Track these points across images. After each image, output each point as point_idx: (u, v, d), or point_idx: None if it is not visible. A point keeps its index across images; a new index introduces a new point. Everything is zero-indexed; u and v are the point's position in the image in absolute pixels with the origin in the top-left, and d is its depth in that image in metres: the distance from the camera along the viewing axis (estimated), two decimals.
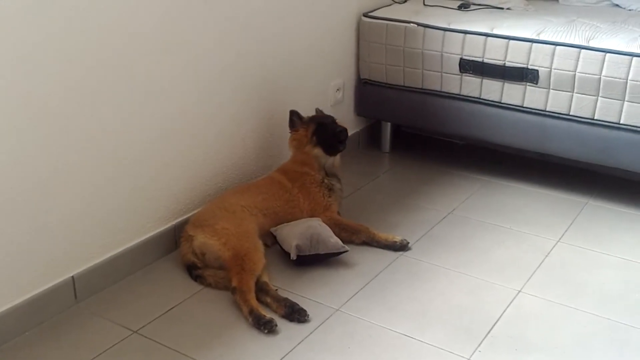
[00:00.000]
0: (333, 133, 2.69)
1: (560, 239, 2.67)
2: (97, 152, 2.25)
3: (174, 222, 2.57)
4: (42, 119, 2.06)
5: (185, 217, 2.58)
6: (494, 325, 2.17)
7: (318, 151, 2.69)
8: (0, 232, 2.02)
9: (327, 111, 2.92)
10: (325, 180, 2.70)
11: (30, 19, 1.96)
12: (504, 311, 2.23)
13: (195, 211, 2.59)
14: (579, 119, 2.85)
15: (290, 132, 2.76)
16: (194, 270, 2.39)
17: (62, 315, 2.21)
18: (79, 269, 2.27)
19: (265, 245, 2.48)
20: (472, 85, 3.05)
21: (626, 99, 2.72)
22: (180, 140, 2.54)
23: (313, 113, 2.83)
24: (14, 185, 2.03)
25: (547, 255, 2.55)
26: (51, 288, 2.19)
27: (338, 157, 2.76)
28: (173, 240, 2.55)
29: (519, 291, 2.34)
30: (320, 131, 2.69)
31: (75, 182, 2.20)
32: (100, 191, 2.28)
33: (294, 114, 2.75)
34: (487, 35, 2.97)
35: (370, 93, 3.40)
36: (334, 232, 2.50)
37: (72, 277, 2.25)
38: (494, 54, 2.96)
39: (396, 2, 3.48)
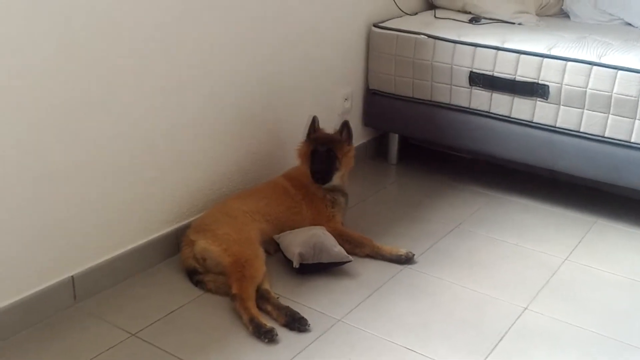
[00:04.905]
0: (312, 168, 2.60)
1: (567, 257, 2.63)
2: (100, 152, 2.23)
3: (175, 226, 2.55)
4: (44, 119, 2.04)
5: (187, 221, 2.56)
6: (499, 342, 2.13)
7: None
8: (1, 229, 2.00)
9: (335, 121, 2.89)
10: (328, 196, 2.66)
11: (41, 19, 1.95)
12: (509, 328, 2.20)
13: (197, 215, 2.56)
14: (589, 136, 2.82)
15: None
16: (195, 276, 2.36)
17: (60, 315, 2.18)
18: (79, 269, 2.24)
19: (268, 252, 2.45)
20: (481, 99, 3.03)
21: (637, 117, 2.69)
22: (184, 144, 2.52)
23: (324, 121, 2.77)
24: (15, 184, 2.01)
25: (554, 273, 2.52)
26: (50, 287, 2.16)
27: (337, 179, 2.64)
28: (174, 244, 2.53)
29: (525, 308, 2.30)
30: (311, 157, 2.63)
31: (78, 182, 2.18)
32: (102, 192, 2.26)
33: (313, 121, 2.69)
34: (497, 48, 2.95)
35: (378, 104, 3.38)
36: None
37: (72, 277, 2.22)
38: (504, 67, 2.93)
39: (407, 14, 3.47)
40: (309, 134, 2.70)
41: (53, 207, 2.12)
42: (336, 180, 2.66)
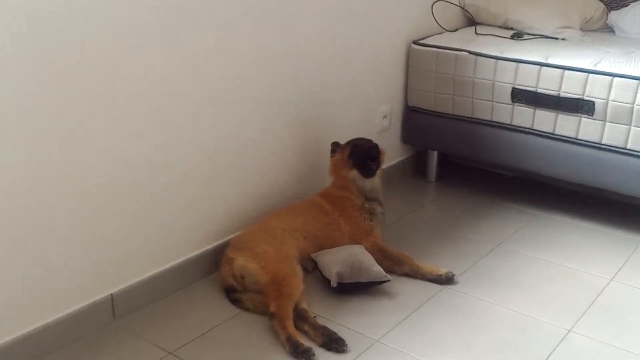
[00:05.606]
0: (365, 150, 2.65)
1: (613, 277, 2.55)
2: (140, 171, 2.25)
3: (214, 244, 2.55)
4: (87, 137, 2.07)
5: (226, 239, 2.56)
6: None
7: (354, 174, 2.65)
8: (41, 248, 2.03)
9: (373, 138, 2.87)
10: (366, 205, 2.65)
11: (75, 31, 1.99)
12: (553, 350, 2.13)
13: (236, 233, 2.57)
14: (636, 153, 2.74)
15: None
16: (233, 294, 2.36)
17: (99, 333, 2.20)
18: (119, 287, 2.26)
19: (306, 270, 2.44)
20: (524, 116, 2.97)
21: None
22: (224, 162, 2.53)
23: None
24: (55, 201, 2.04)
25: (599, 294, 2.44)
26: (90, 305, 2.18)
27: (378, 180, 2.70)
28: (213, 262, 2.53)
29: (569, 330, 2.23)
30: (355, 152, 2.66)
31: (119, 201, 2.20)
32: (141, 210, 2.28)
33: (334, 145, 2.75)
34: (541, 64, 2.89)
35: (417, 121, 3.35)
36: (376, 259, 2.45)
37: (111, 294, 2.24)
38: (548, 83, 2.88)
39: (447, 31, 3.44)
40: (333, 150, 2.74)
41: (93, 225, 2.15)
42: (377, 179, 2.68)
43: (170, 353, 2.11)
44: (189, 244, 2.47)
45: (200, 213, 2.49)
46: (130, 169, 2.21)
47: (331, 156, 2.74)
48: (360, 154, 2.65)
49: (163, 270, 2.39)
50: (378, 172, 2.69)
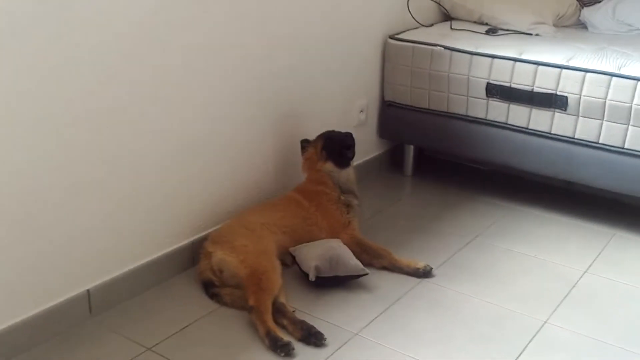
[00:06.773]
0: (339, 139, 2.67)
1: (587, 269, 2.59)
2: (117, 165, 2.23)
3: (192, 239, 2.54)
4: (63, 132, 2.04)
5: (203, 233, 2.55)
6: (519, 356, 2.09)
7: (329, 165, 2.66)
8: (18, 243, 2.00)
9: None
10: (342, 198, 2.66)
11: (59, 41, 1.96)
12: (529, 342, 2.16)
13: (214, 228, 2.55)
14: (609, 147, 2.78)
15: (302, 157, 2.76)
16: (211, 288, 2.35)
17: (76, 329, 2.17)
18: (95, 283, 2.24)
19: (285, 264, 2.44)
20: (498, 110, 3.00)
21: None
22: (201, 157, 2.51)
23: None
24: (32, 196, 2.01)
25: (574, 286, 2.48)
26: (66, 301, 2.16)
27: (352, 171, 2.72)
28: (190, 257, 2.52)
29: (545, 322, 2.27)
30: (328, 144, 2.68)
31: (94, 195, 2.18)
32: (118, 205, 2.26)
33: (304, 142, 2.76)
34: (515, 60, 2.93)
35: (393, 115, 3.36)
36: (354, 252, 2.46)
37: (88, 290, 2.22)
38: (522, 79, 2.91)
39: (423, 25, 3.46)
40: (303, 147, 2.75)
41: (69, 220, 2.12)
42: (351, 170, 2.70)
43: (148, 349, 2.09)
44: (166, 239, 2.46)
45: (177, 207, 2.47)
46: (106, 163, 2.19)
47: (302, 153, 2.75)
48: (335, 144, 2.67)
49: (140, 265, 2.37)
50: (352, 162, 2.70)
